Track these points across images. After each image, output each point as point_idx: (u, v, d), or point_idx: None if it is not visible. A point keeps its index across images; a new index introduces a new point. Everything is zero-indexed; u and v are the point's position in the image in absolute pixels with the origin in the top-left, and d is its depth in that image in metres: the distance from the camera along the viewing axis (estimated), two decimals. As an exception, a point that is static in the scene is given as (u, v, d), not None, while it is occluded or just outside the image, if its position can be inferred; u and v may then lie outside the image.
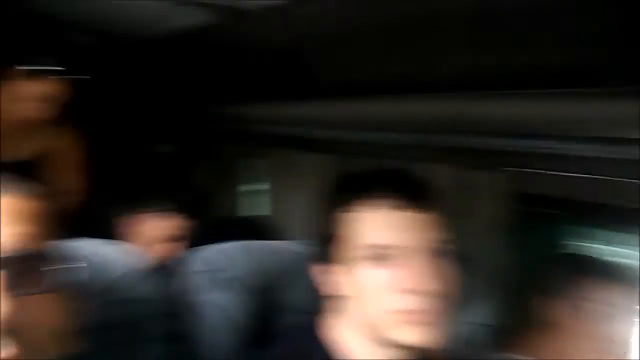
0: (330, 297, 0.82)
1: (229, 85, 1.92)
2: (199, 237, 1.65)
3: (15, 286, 0.50)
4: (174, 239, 1.59)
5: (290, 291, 0.97)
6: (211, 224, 1.84)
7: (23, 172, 1.55)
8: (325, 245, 0.80)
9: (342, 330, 0.80)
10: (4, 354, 0.47)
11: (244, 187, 2.42)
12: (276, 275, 0.97)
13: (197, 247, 1.54)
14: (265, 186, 2.29)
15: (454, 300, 0.78)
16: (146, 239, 1.60)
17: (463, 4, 0.90)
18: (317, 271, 0.82)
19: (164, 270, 1.52)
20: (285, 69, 1.59)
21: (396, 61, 1.23)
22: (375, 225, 0.75)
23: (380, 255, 0.74)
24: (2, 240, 0.51)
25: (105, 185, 1.98)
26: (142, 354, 0.76)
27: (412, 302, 0.72)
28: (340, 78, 1.45)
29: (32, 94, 1.52)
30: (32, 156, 1.71)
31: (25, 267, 0.52)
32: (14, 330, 0.48)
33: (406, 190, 0.77)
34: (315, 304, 0.89)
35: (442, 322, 0.75)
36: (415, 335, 0.72)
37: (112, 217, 1.70)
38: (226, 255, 0.95)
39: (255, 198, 2.40)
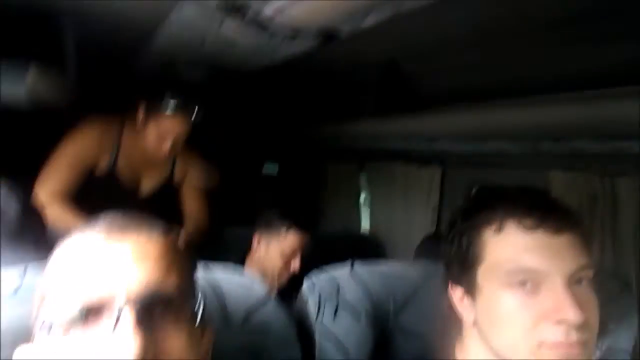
0: (458, 323, 0.77)
1: (333, 105, 1.96)
2: (311, 254, 1.70)
3: (152, 322, 0.53)
4: (290, 256, 1.64)
5: (406, 316, 0.93)
6: (322, 241, 1.89)
7: (157, 201, 1.72)
8: (459, 267, 0.75)
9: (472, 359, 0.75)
10: None
11: (351, 202, 2.45)
12: (388, 300, 0.94)
13: (309, 268, 1.57)
14: (371, 201, 2.29)
15: (599, 328, 0.70)
16: (266, 259, 1.67)
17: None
18: (447, 294, 0.78)
19: (284, 294, 1.58)
20: (385, 85, 1.58)
21: (507, 64, 1.15)
22: (522, 248, 0.69)
23: (525, 281, 0.68)
24: (138, 279, 0.55)
25: (224, 208, 2.11)
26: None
27: (558, 334, 0.65)
28: (444, 88, 1.40)
29: (166, 131, 1.70)
30: (164, 185, 1.91)
31: (161, 303, 0.56)
32: None
33: (554, 212, 0.70)
34: (436, 330, 0.85)
35: (587, 353, 0.67)
36: None
37: (235, 239, 1.81)
38: (334, 281, 0.94)
39: (362, 213, 2.41)
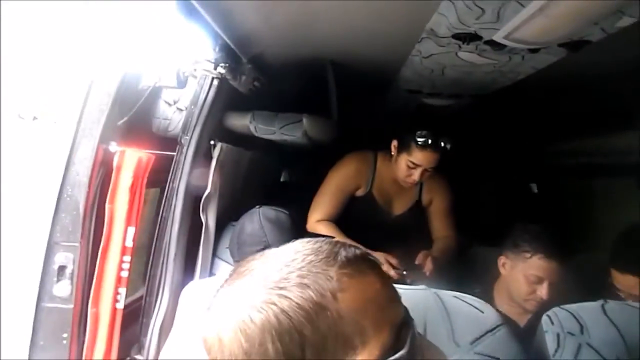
0: None
1: (597, 116, 1.74)
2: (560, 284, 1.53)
3: None
4: (536, 282, 1.53)
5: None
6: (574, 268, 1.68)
7: (408, 221, 1.85)
8: None
9: None
10: None
11: (616, 225, 2.07)
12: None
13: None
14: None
15: None
16: (510, 282, 1.59)
17: None
18: None
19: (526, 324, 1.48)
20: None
21: None
22: None
23: None
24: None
25: (477, 228, 2.10)
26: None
27: None
28: None
29: (416, 163, 1.83)
30: (414, 207, 2.05)
31: None
32: None
33: None
34: None
35: None
36: None
37: (486, 259, 1.78)
38: (579, 316, 0.86)
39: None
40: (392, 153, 1.91)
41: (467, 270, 1.93)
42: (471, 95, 1.91)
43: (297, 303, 0.54)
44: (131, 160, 1.41)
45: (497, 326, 0.84)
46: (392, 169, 1.93)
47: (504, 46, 1.30)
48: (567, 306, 0.91)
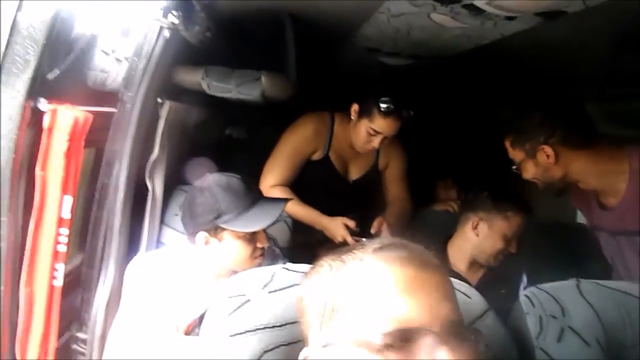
0: None
1: (553, 85, 1.76)
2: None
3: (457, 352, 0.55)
4: (511, 239, 1.64)
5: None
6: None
7: (364, 186, 1.82)
8: None
9: None
10: None
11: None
12: (625, 329, 0.83)
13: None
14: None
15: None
16: (485, 241, 1.67)
17: None
18: None
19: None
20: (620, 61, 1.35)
21: None
22: None
23: None
24: (446, 311, 0.57)
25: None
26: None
27: None
28: None
29: (377, 130, 1.77)
30: (370, 172, 2.01)
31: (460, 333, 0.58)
32: None
33: None
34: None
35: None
36: None
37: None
38: (559, 298, 0.87)
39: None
40: (352, 117, 1.82)
41: (420, 231, 1.96)
42: (431, 57, 1.86)
43: None
44: (66, 120, 1.22)
45: (485, 312, 0.83)
46: (349, 133, 1.86)
47: (482, 11, 1.25)
48: (543, 286, 0.92)
